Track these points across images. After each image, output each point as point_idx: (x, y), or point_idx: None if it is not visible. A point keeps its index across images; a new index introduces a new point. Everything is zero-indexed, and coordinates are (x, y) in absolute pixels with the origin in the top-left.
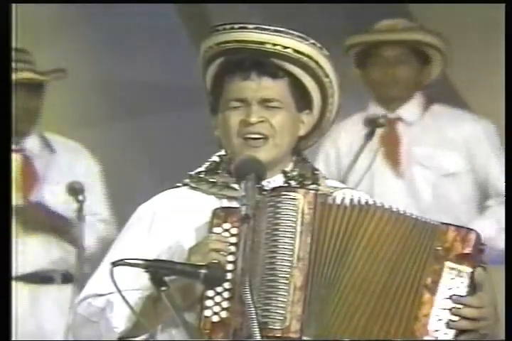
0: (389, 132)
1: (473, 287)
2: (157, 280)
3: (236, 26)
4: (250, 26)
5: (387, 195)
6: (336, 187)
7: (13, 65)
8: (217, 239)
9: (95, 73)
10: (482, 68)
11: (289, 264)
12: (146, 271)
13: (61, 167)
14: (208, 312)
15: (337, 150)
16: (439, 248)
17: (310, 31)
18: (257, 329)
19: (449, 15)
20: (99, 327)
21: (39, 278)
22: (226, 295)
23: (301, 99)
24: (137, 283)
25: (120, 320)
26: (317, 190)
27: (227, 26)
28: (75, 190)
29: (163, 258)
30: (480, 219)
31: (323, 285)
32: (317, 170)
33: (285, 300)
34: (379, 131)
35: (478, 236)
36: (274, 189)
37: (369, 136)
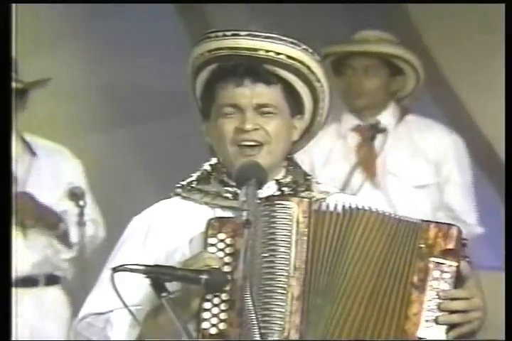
0: (363, 142)
1: (460, 280)
2: (158, 286)
3: (228, 33)
4: (242, 33)
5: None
6: (328, 192)
7: None
8: (212, 257)
9: (95, 77)
10: (482, 68)
11: (286, 274)
12: (147, 277)
13: (44, 170)
14: (205, 325)
15: (311, 161)
16: (423, 245)
17: (309, 31)
18: (258, 339)
19: (449, 16)
20: None
21: (22, 281)
22: (223, 306)
23: (294, 104)
24: (137, 298)
25: (120, 337)
26: (311, 198)
27: (220, 33)
28: (76, 195)
29: None
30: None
31: (319, 293)
32: (309, 175)
33: (283, 310)
34: (353, 141)
35: (459, 231)
36: (267, 198)
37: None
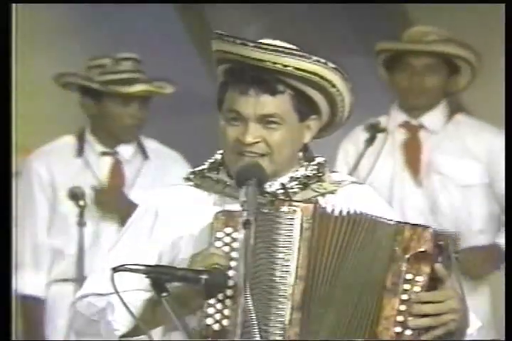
0: (410, 139)
1: (436, 282)
2: (158, 285)
3: (238, 41)
4: (250, 44)
5: (405, 202)
6: (340, 182)
7: (131, 75)
8: (220, 254)
9: None
10: (481, 68)
11: (288, 282)
12: (147, 277)
13: (153, 173)
14: (209, 321)
15: (357, 147)
16: (397, 248)
17: (308, 31)
18: (257, 336)
19: (449, 15)
20: (100, 327)
21: None
22: (228, 302)
23: (306, 108)
24: (140, 284)
25: (121, 322)
26: (316, 203)
27: (230, 39)
28: (76, 195)
29: (165, 257)
30: (501, 234)
31: (320, 303)
32: (323, 166)
33: (283, 319)
34: (400, 137)
35: (435, 232)
36: (272, 202)
37: (370, 141)
